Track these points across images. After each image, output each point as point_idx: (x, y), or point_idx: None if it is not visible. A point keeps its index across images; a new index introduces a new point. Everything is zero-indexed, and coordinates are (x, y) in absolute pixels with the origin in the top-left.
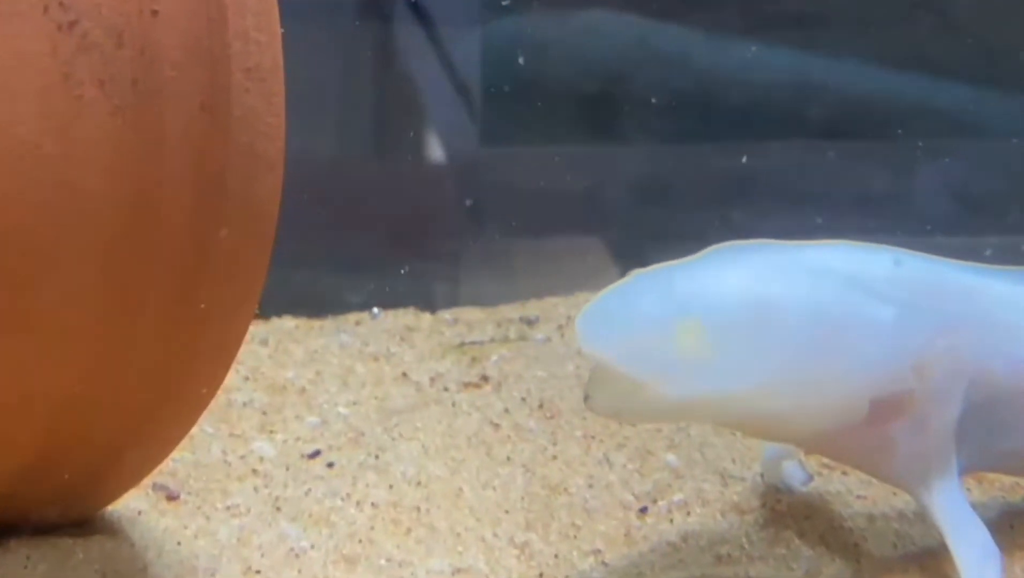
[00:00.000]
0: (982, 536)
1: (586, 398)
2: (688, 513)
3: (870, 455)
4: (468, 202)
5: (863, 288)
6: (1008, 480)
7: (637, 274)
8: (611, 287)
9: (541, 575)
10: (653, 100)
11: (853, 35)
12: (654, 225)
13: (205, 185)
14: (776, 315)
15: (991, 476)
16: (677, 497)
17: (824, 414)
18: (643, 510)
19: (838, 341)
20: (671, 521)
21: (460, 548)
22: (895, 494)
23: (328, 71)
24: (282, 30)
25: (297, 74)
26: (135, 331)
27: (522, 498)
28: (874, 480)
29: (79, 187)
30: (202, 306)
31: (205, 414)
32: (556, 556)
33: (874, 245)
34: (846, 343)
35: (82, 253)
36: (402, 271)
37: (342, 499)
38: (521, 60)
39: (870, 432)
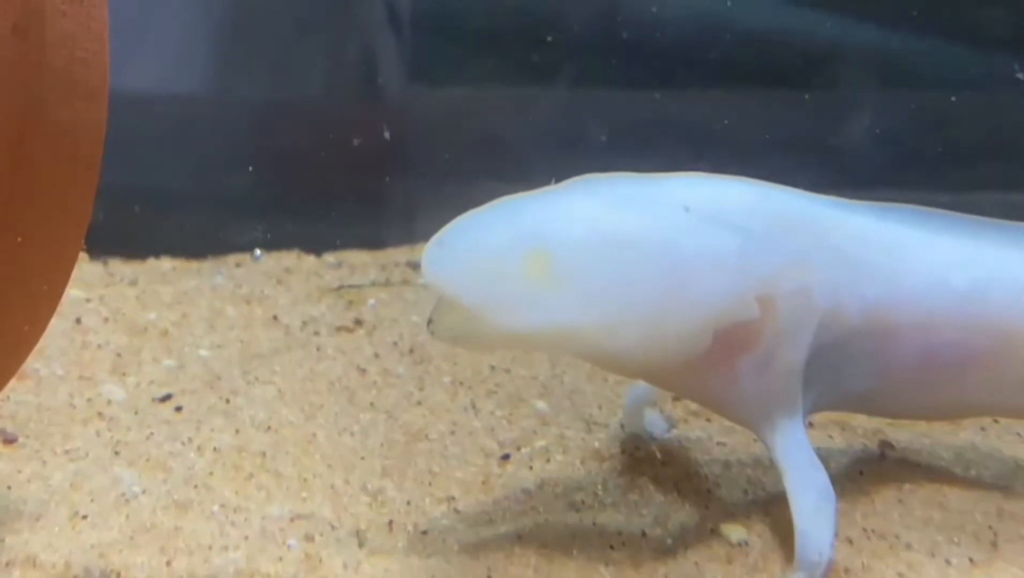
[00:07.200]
0: (820, 478)
1: (429, 323)
2: (548, 460)
3: (717, 391)
4: (355, 142)
5: (713, 219)
6: (871, 426)
7: (491, 205)
8: (459, 218)
9: (391, 522)
10: (565, 42)
11: None
12: (564, 172)
13: (19, 112)
14: (622, 248)
15: (855, 422)
16: (540, 444)
17: (667, 347)
18: (505, 457)
19: (682, 271)
20: (530, 468)
21: (304, 494)
22: (755, 441)
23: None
24: None
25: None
26: None
27: (381, 445)
28: (737, 427)
29: None
30: (19, 239)
31: (56, 356)
32: (408, 503)
33: (731, 177)
34: (689, 273)
35: None
36: (285, 210)
37: (183, 444)
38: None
39: (717, 368)
